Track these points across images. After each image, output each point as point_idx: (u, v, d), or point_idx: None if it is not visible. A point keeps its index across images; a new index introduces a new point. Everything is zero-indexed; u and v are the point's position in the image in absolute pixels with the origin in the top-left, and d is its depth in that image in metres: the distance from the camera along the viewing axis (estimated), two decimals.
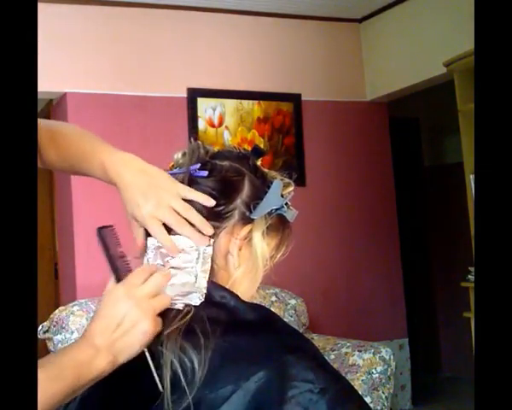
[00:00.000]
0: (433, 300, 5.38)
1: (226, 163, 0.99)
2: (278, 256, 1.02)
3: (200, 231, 0.93)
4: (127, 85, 3.85)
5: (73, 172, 1.13)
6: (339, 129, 4.37)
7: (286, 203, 0.99)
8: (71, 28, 3.74)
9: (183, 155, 1.01)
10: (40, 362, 0.80)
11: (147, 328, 0.86)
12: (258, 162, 1.04)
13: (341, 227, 4.30)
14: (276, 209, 0.98)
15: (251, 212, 0.97)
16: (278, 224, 1.01)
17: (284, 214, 0.99)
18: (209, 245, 0.94)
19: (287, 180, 1.02)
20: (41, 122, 1.08)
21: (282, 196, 0.99)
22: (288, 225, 1.02)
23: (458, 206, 4.03)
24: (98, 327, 0.86)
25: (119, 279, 0.90)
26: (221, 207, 0.96)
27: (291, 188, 1.01)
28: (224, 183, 0.97)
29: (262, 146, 4.13)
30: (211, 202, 0.94)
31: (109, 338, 0.85)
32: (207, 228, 0.93)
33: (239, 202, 0.97)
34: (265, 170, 1.03)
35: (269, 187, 0.99)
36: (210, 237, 0.94)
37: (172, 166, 1.01)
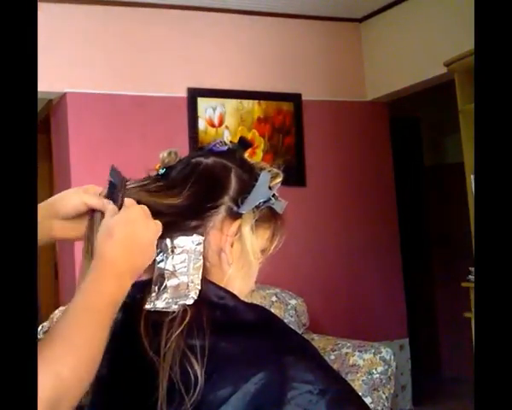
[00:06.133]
0: (433, 300, 5.38)
1: (211, 160, 0.99)
2: (272, 248, 1.01)
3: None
4: (127, 85, 3.84)
5: None
6: (339, 129, 4.37)
7: (273, 195, 0.98)
8: (71, 28, 3.74)
9: (169, 154, 1.00)
10: (72, 307, 0.83)
11: (155, 240, 0.92)
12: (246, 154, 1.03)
13: (341, 227, 4.29)
14: (264, 202, 0.97)
15: (239, 207, 0.95)
16: (270, 215, 0.99)
17: (273, 206, 0.98)
18: (199, 243, 0.93)
19: (275, 171, 1.00)
20: None
21: (270, 187, 0.98)
22: (280, 215, 1.01)
23: (458, 206, 4.03)
24: (119, 252, 0.88)
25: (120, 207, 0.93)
26: (208, 205, 0.95)
27: (279, 179, 1.00)
28: (208, 180, 0.96)
29: (262, 146, 4.14)
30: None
31: (131, 262, 0.89)
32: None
33: (226, 199, 0.95)
34: (253, 161, 1.02)
35: (256, 179, 0.97)
36: (200, 234, 0.94)
37: (159, 166, 1.00)
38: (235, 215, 0.95)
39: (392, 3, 4.21)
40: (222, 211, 0.95)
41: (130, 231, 0.90)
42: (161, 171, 0.99)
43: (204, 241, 0.94)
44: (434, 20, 3.94)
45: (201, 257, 0.93)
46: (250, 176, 0.98)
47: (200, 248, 0.93)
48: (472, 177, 3.38)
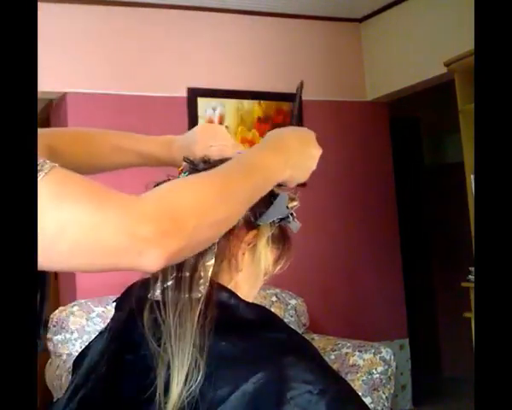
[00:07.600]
0: (433, 300, 5.37)
1: None
2: (276, 269, 1.04)
3: None
4: (127, 85, 3.84)
5: (100, 169, 1.24)
6: (339, 129, 4.37)
7: (291, 214, 1.01)
8: (71, 28, 3.74)
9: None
10: (235, 161, 0.91)
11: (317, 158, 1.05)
12: None
13: (342, 227, 4.29)
14: (282, 219, 1.00)
15: (256, 218, 0.98)
16: (280, 237, 1.02)
17: (289, 225, 1.01)
18: (213, 243, 0.94)
19: (292, 195, 1.03)
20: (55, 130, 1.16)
21: (287, 207, 1.01)
22: (289, 239, 1.04)
23: (458, 206, 4.02)
24: (293, 146, 0.99)
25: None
26: None
27: (296, 202, 1.03)
28: None
29: None
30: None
31: (298, 159, 0.99)
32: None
33: None
34: None
35: (275, 198, 1.00)
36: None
37: (182, 170, 1.04)
38: (251, 226, 0.98)
39: (392, 3, 4.21)
40: (241, 219, 0.96)
41: (304, 145, 1.03)
42: (183, 175, 1.02)
43: (218, 243, 0.94)
44: (434, 20, 3.94)
45: (214, 256, 0.94)
46: (268, 194, 1.00)
47: (214, 247, 0.94)
48: (472, 177, 3.38)
